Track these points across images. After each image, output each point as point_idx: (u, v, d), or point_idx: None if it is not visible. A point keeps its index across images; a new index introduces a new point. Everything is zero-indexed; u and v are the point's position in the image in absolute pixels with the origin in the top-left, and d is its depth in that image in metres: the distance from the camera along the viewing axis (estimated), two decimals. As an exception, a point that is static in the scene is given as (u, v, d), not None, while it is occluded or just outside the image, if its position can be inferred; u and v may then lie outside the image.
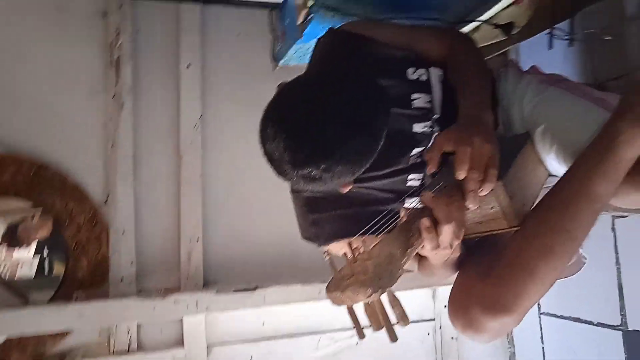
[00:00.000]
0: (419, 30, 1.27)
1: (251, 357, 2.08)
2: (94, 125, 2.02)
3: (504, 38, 1.71)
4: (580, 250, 1.28)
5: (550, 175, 1.15)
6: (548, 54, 1.38)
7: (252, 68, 2.18)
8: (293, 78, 0.96)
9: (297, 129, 0.84)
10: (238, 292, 1.96)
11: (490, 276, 0.96)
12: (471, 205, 0.90)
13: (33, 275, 1.91)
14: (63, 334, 1.87)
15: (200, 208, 2.07)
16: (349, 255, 0.75)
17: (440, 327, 2.31)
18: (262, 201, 2.16)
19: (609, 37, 1.69)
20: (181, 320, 1.99)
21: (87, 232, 1.94)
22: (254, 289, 1.97)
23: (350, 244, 0.77)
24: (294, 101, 0.87)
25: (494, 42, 1.72)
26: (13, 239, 1.90)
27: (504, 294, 0.93)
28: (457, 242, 0.89)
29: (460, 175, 0.88)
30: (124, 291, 1.93)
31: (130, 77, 2.03)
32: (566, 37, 1.63)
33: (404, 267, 0.76)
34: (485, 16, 1.60)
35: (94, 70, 2.04)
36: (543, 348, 2.21)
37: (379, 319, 0.71)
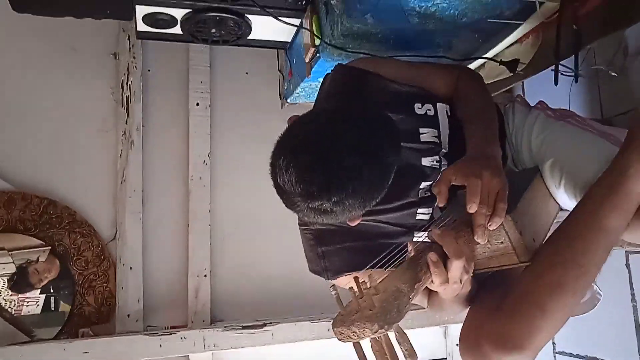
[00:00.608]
0: (425, 66, 1.29)
1: (259, 396, 2.05)
2: (104, 162, 2.05)
3: (509, 75, 1.73)
4: (595, 287, 1.26)
5: (561, 209, 1.14)
6: (554, 91, 1.39)
7: (261, 105, 2.22)
8: (305, 112, 0.97)
9: (310, 161, 0.84)
10: (246, 329, 1.93)
11: (501, 312, 0.95)
12: (480, 239, 0.90)
13: (39, 312, 1.90)
14: (69, 372, 1.85)
15: (208, 244, 2.07)
16: (356, 290, 0.74)
17: (452, 366, 2.26)
18: (270, 237, 2.17)
19: (614, 73, 1.71)
20: (188, 358, 1.97)
21: (94, 268, 1.94)
22: (262, 326, 1.95)
23: (356, 279, 0.76)
24: (307, 134, 0.88)
25: (499, 79, 1.73)
26: (23, 280, 1.89)
27: (515, 330, 0.91)
28: (466, 277, 0.89)
29: (472, 208, 0.88)
30: (131, 328, 1.92)
31: (140, 115, 2.07)
32: (571, 74, 1.64)
33: (412, 302, 0.75)
34: (489, 54, 1.62)
35: (105, 108, 2.08)
36: (559, 388, 2.14)
37: (386, 356, 0.70)
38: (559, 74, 1.64)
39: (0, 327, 1.83)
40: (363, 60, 1.25)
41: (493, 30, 1.57)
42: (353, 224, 0.99)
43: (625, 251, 1.76)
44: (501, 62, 1.66)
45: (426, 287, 1.14)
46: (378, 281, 0.76)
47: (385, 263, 1.02)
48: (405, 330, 0.72)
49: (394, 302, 0.71)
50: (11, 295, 1.87)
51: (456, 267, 0.86)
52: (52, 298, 1.93)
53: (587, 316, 1.97)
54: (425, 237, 0.92)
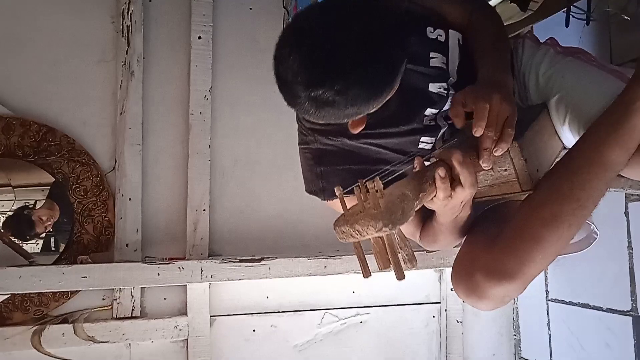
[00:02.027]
0: None
1: (254, 330, 2.09)
2: (104, 92, 2.02)
3: (520, 19, 1.69)
4: (592, 226, 1.27)
5: (564, 148, 1.14)
6: (564, 35, 1.35)
7: (264, 42, 2.17)
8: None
9: (313, 48, 0.80)
10: (243, 262, 1.96)
11: (496, 243, 0.95)
12: (485, 164, 0.89)
13: (39, 251, 1.91)
14: (66, 296, 1.88)
15: (207, 179, 2.07)
16: (361, 193, 0.74)
17: (446, 310, 2.29)
18: (269, 176, 2.17)
19: (627, 18, 1.67)
20: (185, 289, 2.00)
21: (93, 198, 1.94)
22: (260, 260, 1.97)
23: (361, 181, 0.76)
24: (312, 23, 0.83)
25: (509, 23, 1.70)
26: (28, 228, 1.90)
27: (508, 260, 0.91)
28: (469, 192, 0.87)
29: (478, 131, 0.87)
30: (129, 257, 1.93)
31: (140, 45, 2.03)
32: (583, 16, 1.61)
33: (414, 211, 0.75)
34: (500, -3, 1.58)
35: (105, 38, 2.04)
36: (550, 335, 2.19)
37: (386, 258, 0.70)
38: (571, 16, 1.61)
39: (-1, 249, 1.85)
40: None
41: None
42: (355, 130, 0.97)
43: (625, 199, 1.77)
44: (512, 0, 1.62)
45: (419, 219, 1.15)
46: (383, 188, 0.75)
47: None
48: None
49: (399, 204, 0.70)
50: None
51: (466, 194, 0.85)
52: (52, 238, 1.94)
53: (581, 263, 2.00)
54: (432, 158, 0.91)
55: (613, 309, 1.86)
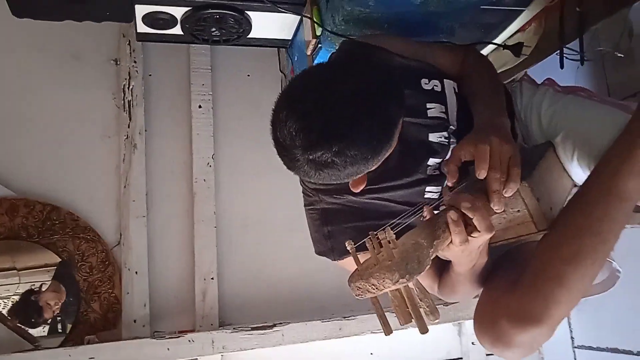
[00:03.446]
0: (432, 44, 1.27)
1: (270, 398, 2.00)
2: (107, 167, 2.04)
3: (514, 64, 1.71)
4: (614, 264, 1.22)
5: (575, 185, 1.11)
6: (559, 76, 1.37)
7: (263, 106, 2.19)
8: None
9: (309, 111, 0.80)
10: (255, 330, 1.89)
11: (517, 287, 0.92)
12: (496, 207, 0.86)
13: (45, 334, 1.87)
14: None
15: (214, 246, 2.04)
16: (373, 245, 0.71)
17: (468, 366, 2.20)
18: (276, 238, 2.14)
19: (621, 55, 1.69)
20: (197, 362, 1.92)
21: (99, 274, 1.91)
22: (272, 326, 1.91)
23: (373, 233, 0.73)
24: (307, 85, 0.85)
25: (504, 69, 1.72)
26: (35, 314, 1.86)
27: (532, 303, 0.88)
28: (485, 237, 0.84)
29: (481, 173, 0.85)
30: (138, 333, 1.88)
31: (142, 119, 2.06)
32: (576, 57, 1.62)
33: (430, 259, 0.72)
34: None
35: (107, 113, 2.08)
36: (579, 385, 2.08)
37: (407, 311, 0.66)
38: (564, 57, 1.63)
39: (4, 335, 1.79)
40: (369, 35, 1.23)
41: (495, 18, 1.56)
42: (357, 189, 0.96)
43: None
44: (505, 47, 1.65)
45: (436, 271, 1.12)
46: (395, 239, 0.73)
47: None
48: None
49: (414, 253, 0.68)
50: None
51: (482, 238, 0.83)
52: (59, 320, 1.90)
53: (604, 304, 1.92)
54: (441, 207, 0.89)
55: (645, 352, 1.78)
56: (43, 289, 1.88)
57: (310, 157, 0.81)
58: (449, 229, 0.82)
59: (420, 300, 0.67)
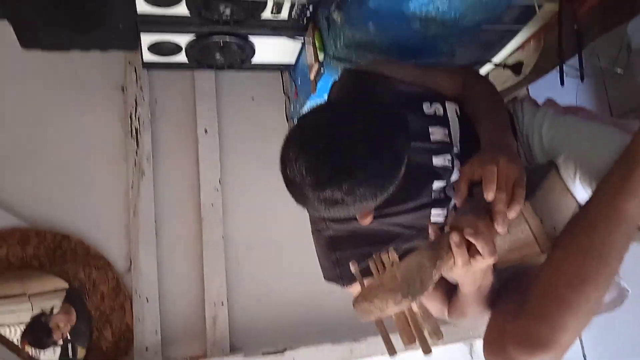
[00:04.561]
0: (431, 68, 1.29)
1: None
2: (116, 194, 2.05)
3: (514, 83, 1.73)
4: (623, 283, 1.22)
5: (578, 204, 1.12)
6: (559, 94, 1.38)
7: (268, 129, 2.22)
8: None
9: (319, 150, 0.83)
10: (266, 355, 1.89)
11: (523, 311, 0.92)
12: (500, 228, 0.87)
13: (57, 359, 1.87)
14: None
15: (223, 271, 2.05)
16: (377, 266, 0.72)
17: (480, 384, 2.18)
18: (286, 261, 2.14)
19: (620, 70, 1.71)
20: (208, 388, 1.92)
21: (110, 302, 1.92)
22: (283, 351, 1.91)
23: (377, 254, 0.75)
24: (316, 124, 0.88)
25: (504, 87, 1.73)
26: (45, 336, 1.86)
27: (538, 329, 0.88)
28: (489, 260, 0.85)
29: (490, 195, 0.86)
30: (150, 360, 1.88)
31: (149, 145, 2.08)
32: (576, 74, 1.64)
33: (433, 280, 0.73)
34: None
35: (115, 140, 2.09)
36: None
37: (410, 332, 0.67)
38: (564, 75, 1.64)
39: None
40: (369, 62, 1.25)
41: (495, 37, 1.58)
42: (365, 222, 0.98)
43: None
44: (505, 66, 1.67)
45: (445, 295, 1.12)
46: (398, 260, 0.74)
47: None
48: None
49: (417, 275, 0.69)
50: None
51: (485, 262, 0.84)
52: (69, 344, 1.90)
53: (615, 320, 1.91)
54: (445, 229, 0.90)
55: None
56: (54, 312, 1.88)
57: (320, 195, 0.83)
58: (452, 250, 0.83)
59: (424, 321, 0.69)
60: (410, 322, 0.68)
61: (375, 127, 0.85)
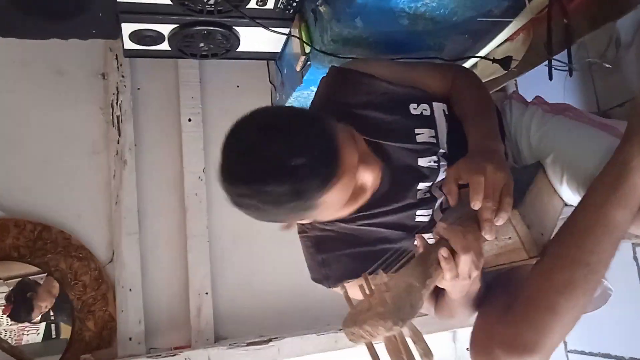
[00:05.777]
0: (419, 66, 1.27)
1: (269, 415, 2.00)
2: (97, 184, 2.02)
3: (502, 74, 1.71)
4: (606, 282, 1.24)
5: (566, 205, 1.12)
6: (547, 87, 1.37)
7: (254, 117, 2.19)
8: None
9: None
10: (251, 345, 1.90)
11: (511, 315, 0.93)
12: (487, 235, 0.87)
13: (40, 340, 1.86)
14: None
15: (207, 261, 2.04)
16: (365, 288, 0.72)
17: (462, 371, 2.22)
18: (270, 251, 2.14)
19: (609, 65, 1.70)
20: (193, 379, 1.92)
21: (92, 292, 1.90)
22: (267, 341, 1.91)
23: (366, 276, 0.74)
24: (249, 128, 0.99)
25: (492, 78, 1.72)
26: (25, 309, 1.85)
27: (526, 333, 0.89)
28: (476, 273, 0.86)
29: (476, 205, 0.86)
30: (133, 351, 1.87)
31: (132, 134, 2.04)
32: (565, 68, 1.63)
33: (423, 299, 0.72)
34: (481, 53, 1.61)
35: (96, 129, 2.06)
36: (572, 388, 2.11)
37: (401, 356, 0.67)
38: (553, 68, 1.63)
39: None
40: (356, 61, 1.23)
41: (483, 29, 1.56)
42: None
43: (632, 244, 1.74)
44: (494, 60, 1.64)
45: (432, 294, 1.13)
46: (388, 279, 0.73)
47: (386, 268, 0.99)
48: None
49: (406, 298, 0.68)
50: (10, 324, 1.83)
51: (465, 261, 0.83)
52: (53, 325, 1.89)
53: (598, 312, 1.94)
54: (432, 235, 0.90)
55: (635, 358, 1.80)
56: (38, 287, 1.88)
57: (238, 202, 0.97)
58: (440, 265, 0.82)
59: (415, 344, 0.68)
60: (401, 346, 0.67)
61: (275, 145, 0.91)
